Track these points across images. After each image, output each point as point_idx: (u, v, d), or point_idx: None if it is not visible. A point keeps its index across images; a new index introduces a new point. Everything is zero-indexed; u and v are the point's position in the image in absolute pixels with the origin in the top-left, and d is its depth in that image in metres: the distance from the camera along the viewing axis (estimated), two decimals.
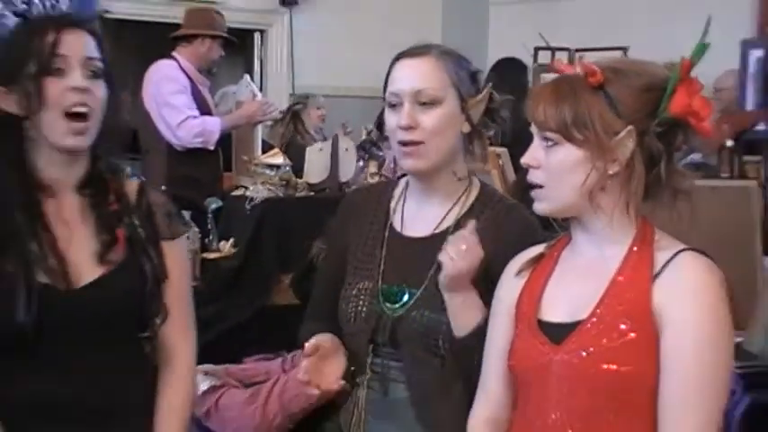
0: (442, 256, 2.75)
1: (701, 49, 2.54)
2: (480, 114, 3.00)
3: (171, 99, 7.07)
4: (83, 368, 2.74)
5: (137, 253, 2.81)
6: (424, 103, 2.89)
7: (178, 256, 2.94)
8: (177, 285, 2.90)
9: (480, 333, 2.80)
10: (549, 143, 2.49)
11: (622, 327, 2.44)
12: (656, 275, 2.46)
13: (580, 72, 2.52)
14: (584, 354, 2.45)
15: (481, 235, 2.83)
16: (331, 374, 2.89)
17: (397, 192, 3.13)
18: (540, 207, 2.58)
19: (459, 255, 2.73)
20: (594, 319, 2.47)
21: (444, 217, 3.00)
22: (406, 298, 2.92)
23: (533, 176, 2.54)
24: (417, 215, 3.04)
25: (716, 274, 2.46)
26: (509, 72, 8.27)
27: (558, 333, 2.52)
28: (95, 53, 2.75)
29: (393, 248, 3.02)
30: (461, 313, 2.83)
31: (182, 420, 2.88)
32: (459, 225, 2.92)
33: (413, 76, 2.93)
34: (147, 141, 7.59)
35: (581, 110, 2.45)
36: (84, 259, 2.76)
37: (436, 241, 2.90)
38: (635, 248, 2.52)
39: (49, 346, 2.70)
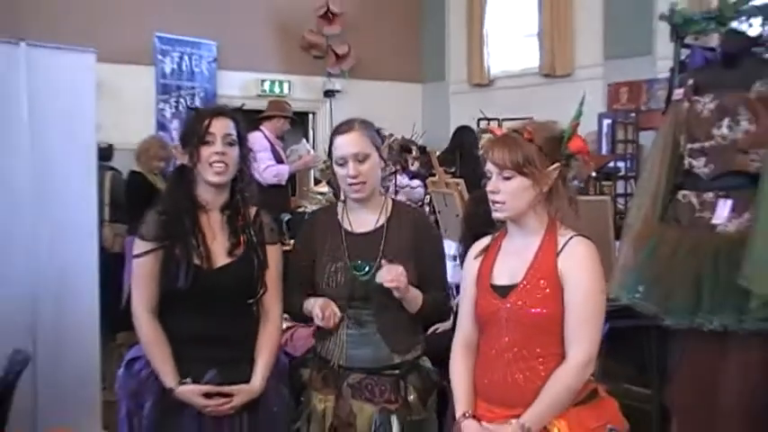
0: (388, 284, 2.74)
1: (579, 114, 2.61)
2: (386, 155, 3.01)
3: (258, 155, 7.14)
4: (216, 315, 2.83)
5: (251, 251, 2.89)
6: (360, 160, 2.88)
7: (275, 255, 2.96)
8: (273, 272, 2.93)
9: (425, 305, 2.87)
10: (507, 176, 2.49)
11: (542, 285, 2.49)
12: (559, 252, 2.51)
13: (514, 131, 2.55)
14: (520, 303, 2.50)
15: (408, 227, 2.93)
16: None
17: (339, 210, 3.05)
18: (501, 215, 2.56)
19: (396, 281, 2.74)
20: (525, 282, 2.51)
21: (378, 219, 2.96)
22: (367, 269, 2.87)
23: (497, 197, 2.52)
24: (359, 220, 2.98)
25: (594, 249, 2.53)
26: (464, 134, 8.28)
27: (503, 291, 2.54)
28: (232, 130, 2.86)
29: (351, 241, 2.95)
30: (412, 302, 2.85)
31: (273, 352, 2.91)
32: (389, 221, 2.96)
33: (350, 144, 2.89)
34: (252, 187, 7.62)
35: (526, 154, 2.47)
36: (219, 252, 2.85)
37: (377, 233, 2.93)
38: (547, 236, 2.55)
39: (197, 301, 2.80)
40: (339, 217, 3.02)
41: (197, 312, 2.82)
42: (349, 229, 2.98)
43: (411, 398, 2.89)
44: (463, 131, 8.31)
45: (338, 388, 2.91)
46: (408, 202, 5.59)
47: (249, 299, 2.90)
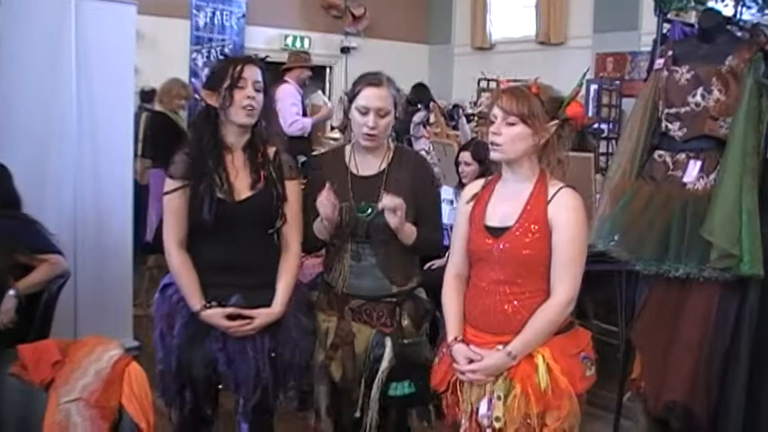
0: (388, 217, 2.71)
1: (581, 83, 2.62)
2: (399, 111, 2.91)
3: (288, 108, 7.06)
4: (239, 244, 2.79)
5: (270, 185, 2.82)
6: (381, 115, 2.82)
7: (294, 190, 2.88)
8: (293, 205, 2.87)
9: (417, 240, 2.83)
10: (510, 122, 2.46)
11: (533, 229, 2.46)
12: (549, 200, 2.48)
13: (522, 86, 2.53)
14: (512, 244, 2.47)
15: (407, 170, 2.86)
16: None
17: (347, 153, 2.96)
18: (498, 156, 2.51)
19: (397, 213, 2.70)
20: (517, 225, 2.48)
21: (381, 163, 2.90)
22: (370, 210, 2.82)
23: (497, 139, 2.48)
24: (364, 163, 2.91)
25: (581, 200, 2.51)
26: (420, 90, 8.20)
27: (496, 232, 2.51)
28: (260, 78, 2.80)
29: (356, 183, 2.88)
30: (406, 236, 2.81)
31: (291, 279, 2.85)
32: (390, 166, 2.90)
33: (377, 97, 2.82)
34: (273, 130, 7.62)
35: (532, 107, 2.44)
36: (242, 186, 2.79)
37: (379, 176, 2.88)
38: (538, 184, 2.51)
39: (222, 232, 2.76)
40: (347, 159, 2.95)
41: (221, 242, 2.77)
42: (355, 171, 2.92)
43: (405, 323, 2.89)
44: (419, 88, 8.37)
45: (341, 311, 2.91)
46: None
47: (269, 229, 2.84)
